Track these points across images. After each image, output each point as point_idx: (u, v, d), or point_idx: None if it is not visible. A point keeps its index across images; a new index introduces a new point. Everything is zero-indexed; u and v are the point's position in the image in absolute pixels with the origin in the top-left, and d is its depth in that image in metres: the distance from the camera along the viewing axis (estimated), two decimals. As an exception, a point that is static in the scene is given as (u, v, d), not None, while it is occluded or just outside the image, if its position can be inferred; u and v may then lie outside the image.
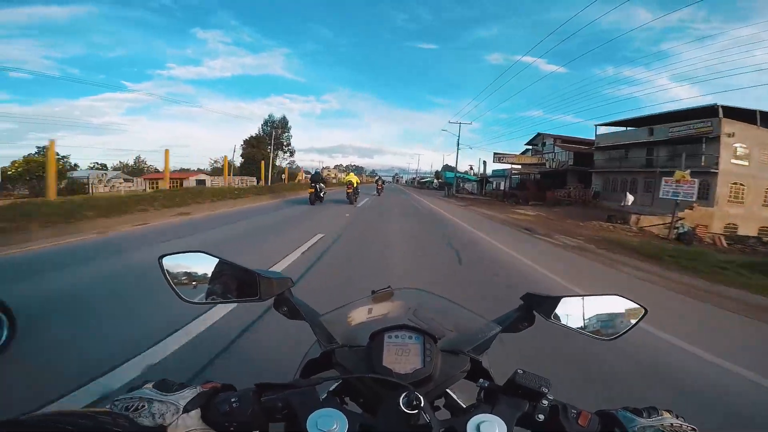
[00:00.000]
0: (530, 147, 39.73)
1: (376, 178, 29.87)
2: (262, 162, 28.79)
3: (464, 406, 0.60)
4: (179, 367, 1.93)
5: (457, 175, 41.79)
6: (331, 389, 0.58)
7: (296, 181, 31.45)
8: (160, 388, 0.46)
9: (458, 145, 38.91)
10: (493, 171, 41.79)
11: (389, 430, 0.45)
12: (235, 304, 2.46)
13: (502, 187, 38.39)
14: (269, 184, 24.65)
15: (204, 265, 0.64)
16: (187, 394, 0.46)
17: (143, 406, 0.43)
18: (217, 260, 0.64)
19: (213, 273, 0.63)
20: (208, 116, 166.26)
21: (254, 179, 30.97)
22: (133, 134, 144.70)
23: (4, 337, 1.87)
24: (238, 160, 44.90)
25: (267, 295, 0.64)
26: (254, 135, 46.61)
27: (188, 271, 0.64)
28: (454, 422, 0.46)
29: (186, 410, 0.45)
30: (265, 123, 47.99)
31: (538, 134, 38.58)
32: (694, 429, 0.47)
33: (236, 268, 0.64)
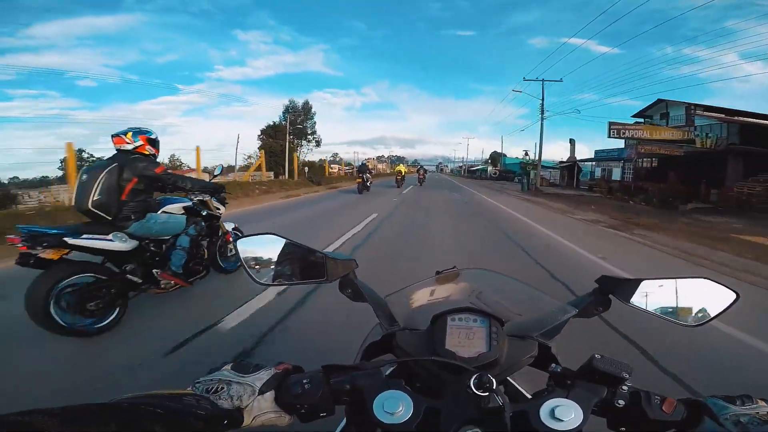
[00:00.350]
0: (643, 119, 28.71)
1: (418, 167, 28.55)
2: (296, 156, 25.02)
3: (527, 394, 0.58)
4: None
5: (545, 163, 29.62)
6: (387, 373, 0.55)
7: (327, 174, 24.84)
8: (238, 370, 0.47)
9: (542, 113, 24.03)
10: (596, 152, 29.85)
11: (456, 412, 0.43)
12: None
13: (617, 177, 27.11)
14: (288, 178, 17.87)
15: (274, 246, 0.64)
16: (263, 376, 0.47)
17: (222, 388, 0.44)
18: (284, 241, 0.64)
19: (281, 254, 0.64)
20: (257, 114, 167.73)
21: (271, 174, 24.12)
22: (190, 135, 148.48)
23: None
24: (248, 152, 37.75)
25: (333, 276, 0.63)
26: (272, 123, 39.69)
27: (260, 252, 0.65)
28: (526, 406, 0.44)
29: (261, 392, 0.46)
30: (286, 110, 40.72)
31: (659, 101, 27.46)
32: None
33: (304, 249, 0.64)
